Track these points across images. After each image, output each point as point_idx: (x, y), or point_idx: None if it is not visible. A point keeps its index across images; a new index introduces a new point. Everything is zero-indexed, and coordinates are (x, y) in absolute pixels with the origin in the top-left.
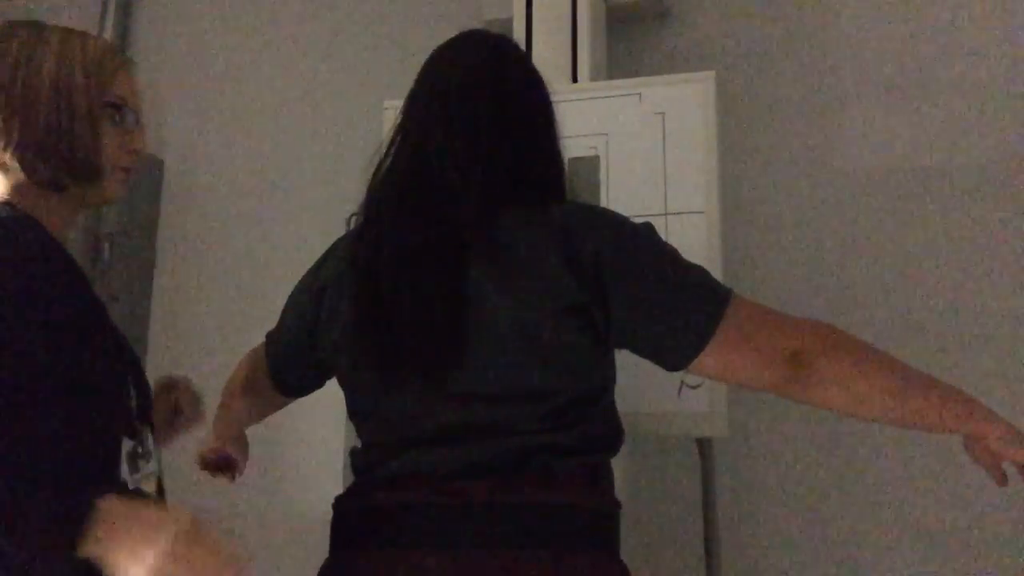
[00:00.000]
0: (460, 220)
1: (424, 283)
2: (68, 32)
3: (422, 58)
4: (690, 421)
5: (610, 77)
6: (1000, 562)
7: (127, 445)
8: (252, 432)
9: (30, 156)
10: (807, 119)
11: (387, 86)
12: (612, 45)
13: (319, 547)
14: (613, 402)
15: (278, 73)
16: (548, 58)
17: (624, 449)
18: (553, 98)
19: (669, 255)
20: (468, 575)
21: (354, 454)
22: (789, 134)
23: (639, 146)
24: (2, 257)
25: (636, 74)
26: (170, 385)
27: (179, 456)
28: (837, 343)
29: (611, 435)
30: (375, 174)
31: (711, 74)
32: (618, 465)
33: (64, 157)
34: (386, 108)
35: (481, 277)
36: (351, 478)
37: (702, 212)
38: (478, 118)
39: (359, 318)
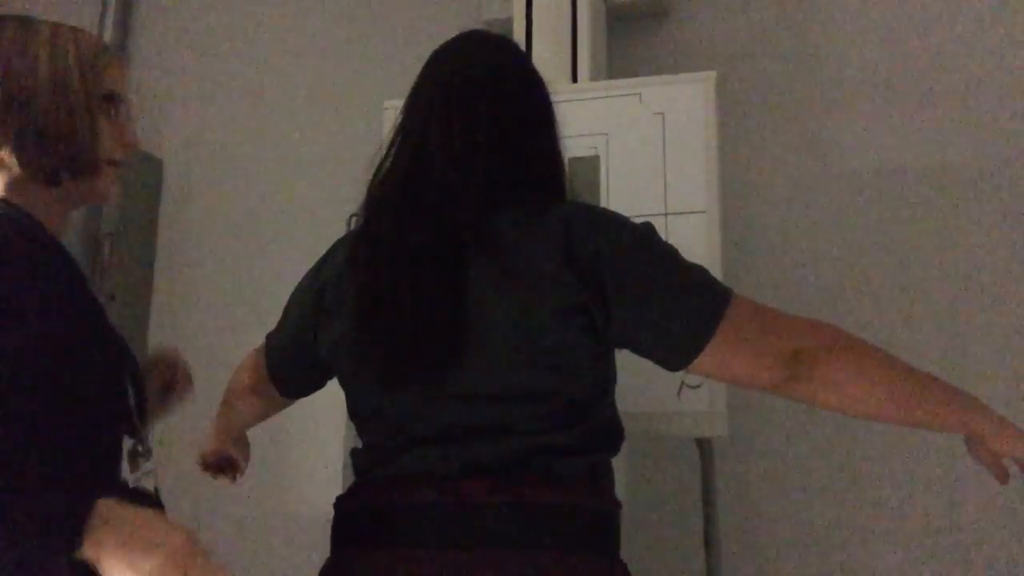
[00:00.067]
0: (460, 220)
1: (424, 283)
2: (57, 26)
3: (422, 58)
4: (690, 421)
5: (610, 77)
6: (999, 562)
7: (127, 443)
8: (252, 432)
9: (29, 151)
10: (807, 119)
11: (387, 86)
12: (612, 45)
13: (319, 547)
14: (613, 402)
15: (278, 73)
16: (548, 58)
17: (624, 449)
18: (553, 98)
19: (669, 255)
20: (468, 575)
21: (355, 454)
22: (789, 134)
23: (639, 146)
24: (2, 256)
25: (636, 74)
26: (160, 359)
27: (179, 456)
28: (838, 343)
29: (611, 435)
30: (375, 174)
31: (711, 74)
32: (618, 465)
33: (63, 151)
34: (386, 108)
35: (481, 277)
36: (351, 478)
37: (702, 212)
38: (478, 118)
39: (359, 318)
